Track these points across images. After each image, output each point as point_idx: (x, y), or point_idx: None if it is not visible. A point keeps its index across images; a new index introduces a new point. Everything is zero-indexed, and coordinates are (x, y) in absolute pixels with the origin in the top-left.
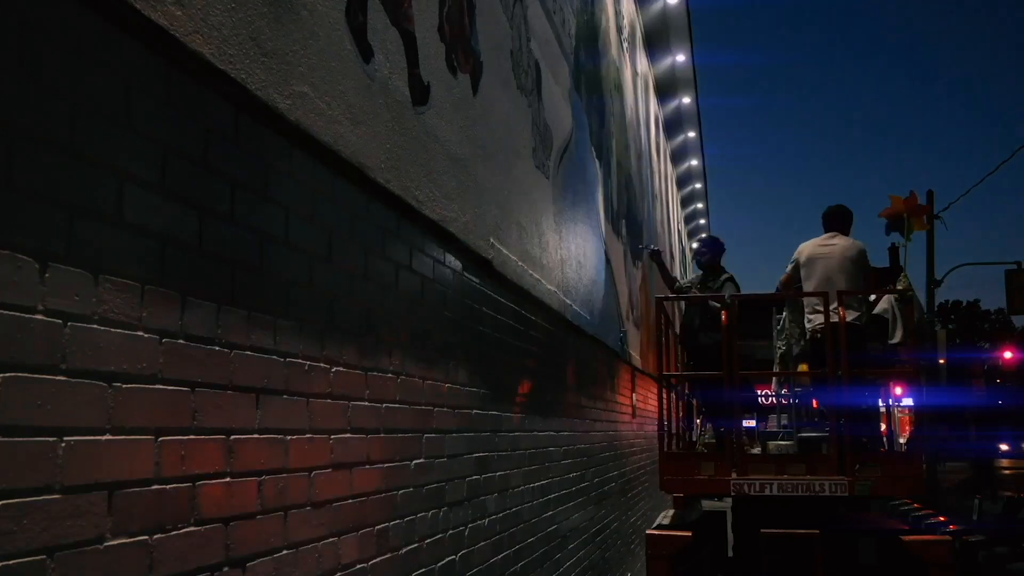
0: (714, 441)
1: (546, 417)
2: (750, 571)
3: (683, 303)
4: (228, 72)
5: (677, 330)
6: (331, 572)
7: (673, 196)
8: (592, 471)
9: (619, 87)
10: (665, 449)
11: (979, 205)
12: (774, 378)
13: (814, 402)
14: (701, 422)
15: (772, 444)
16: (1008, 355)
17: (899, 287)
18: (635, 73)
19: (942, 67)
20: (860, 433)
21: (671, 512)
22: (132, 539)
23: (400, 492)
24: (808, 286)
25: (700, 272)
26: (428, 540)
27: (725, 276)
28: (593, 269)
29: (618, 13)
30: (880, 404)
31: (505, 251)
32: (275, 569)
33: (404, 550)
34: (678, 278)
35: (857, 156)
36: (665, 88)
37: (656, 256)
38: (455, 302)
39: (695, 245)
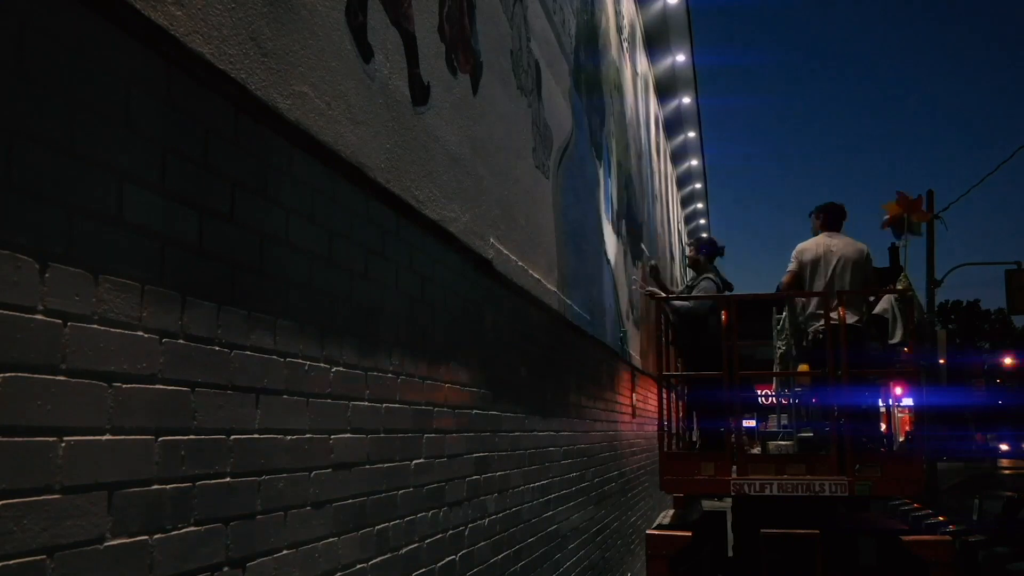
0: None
1: (546, 417)
2: (750, 571)
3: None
4: (228, 72)
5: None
6: (331, 572)
7: (673, 196)
8: (592, 471)
9: (619, 87)
10: (665, 449)
11: (979, 205)
12: (774, 378)
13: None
14: (696, 421)
15: (772, 444)
16: (1008, 361)
17: (899, 287)
18: (635, 73)
19: (943, 67)
20: (860, 434)
21: (671, 512)
22: (132, 539)
23: (400, 492)
24: (814, 286)
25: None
26: (428, 540)
27: (702, 276)
28: (593, 269)
29: (618, 13)
30: (880, 405)
31: (505, 251)
32: (275, 569)
33: (404, 550)
34: (673, 289)
35: (857, 156)
36: (665, 88)
37: (655, 272)
38: (455, 302)
39: (688, 246)
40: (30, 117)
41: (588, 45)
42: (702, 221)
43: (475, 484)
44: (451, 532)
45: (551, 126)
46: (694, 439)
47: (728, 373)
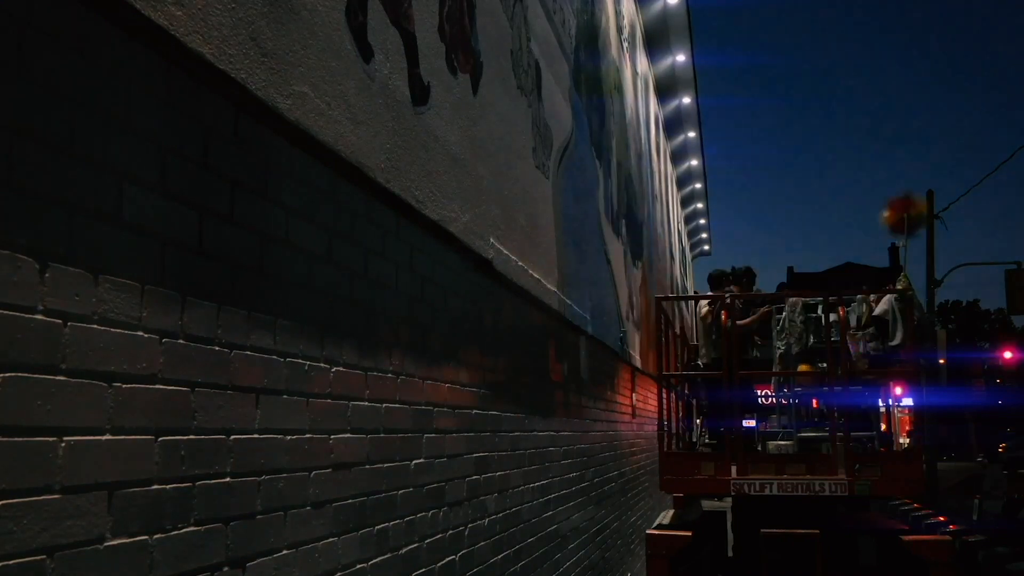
0: (715, 442)
1: (546, 417)
2: (750, 571)
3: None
4: (228, 72)
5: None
6: (331, 572)
7: (673, 196)
8: (592, 471)
9: (619, 87)
10: (665, 449)
11: (979, 205)
12: (774, 378)
13: (814, 402)
14: (701, 422)
15: (772, 444)
16: (1008, 355)
17: (899, 287)
18: (635, 73)
19: (942, 67)
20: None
21: (671, 512)
22: (132, 539)
23: (400, 492)
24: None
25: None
26: (428, 540)
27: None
28: (593, 269)
29: (618, 13)
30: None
31: (505, 251)
32: (275, 569)
33: (404, 550)
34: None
35: (857, 156)
36: (665, 88)
37: None
38: (455, 302)
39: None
40: (30, 117)
41: (588, 45)
42: (702, 221)
43: (475, 484)
44: (451, 532)
45: (551, 126)
46: (694, 439)
47: (728, 373)
